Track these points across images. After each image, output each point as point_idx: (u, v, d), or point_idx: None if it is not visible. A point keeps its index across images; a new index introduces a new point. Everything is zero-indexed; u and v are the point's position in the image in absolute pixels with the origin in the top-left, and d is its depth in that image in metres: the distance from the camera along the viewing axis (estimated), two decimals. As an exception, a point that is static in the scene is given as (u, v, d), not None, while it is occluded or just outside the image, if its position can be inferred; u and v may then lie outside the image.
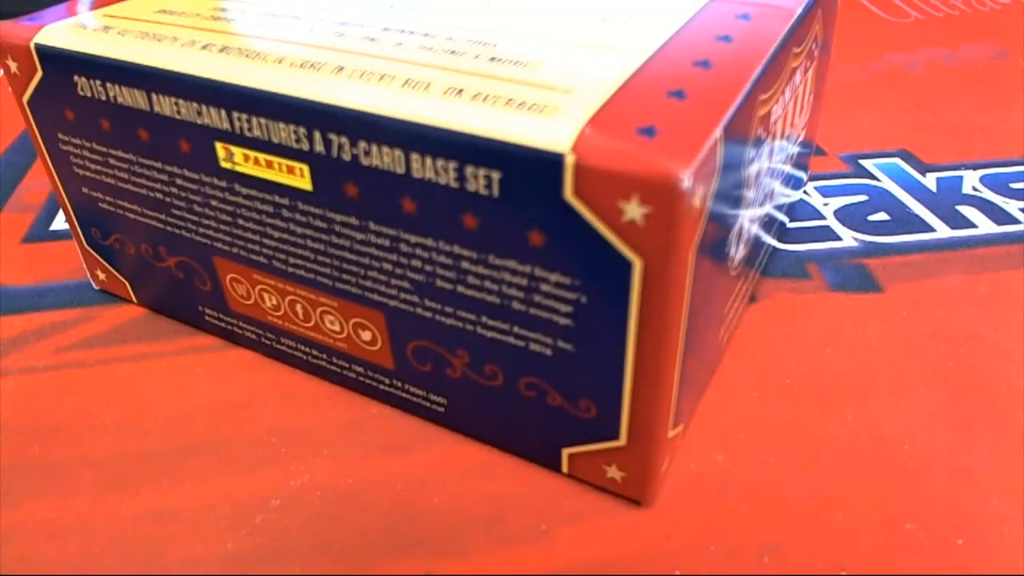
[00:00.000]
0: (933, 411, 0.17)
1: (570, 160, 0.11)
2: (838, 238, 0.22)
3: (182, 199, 0.16)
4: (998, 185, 0.25)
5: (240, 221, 0.16)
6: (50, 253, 0.22)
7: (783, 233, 0.22)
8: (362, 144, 0.13)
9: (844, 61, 0.34)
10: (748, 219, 0.16)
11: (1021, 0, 0.41)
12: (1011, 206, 0.24)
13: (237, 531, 0.15)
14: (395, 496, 0.15)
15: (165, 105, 0.15)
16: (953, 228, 0.23)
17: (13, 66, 0.17)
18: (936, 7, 0.40)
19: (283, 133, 0.13)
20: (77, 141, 0.17)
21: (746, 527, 0.15)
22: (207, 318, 0.18)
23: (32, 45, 0.16)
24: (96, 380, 0.18)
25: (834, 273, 0.21)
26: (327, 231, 0.14)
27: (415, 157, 0.12)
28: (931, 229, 0.23)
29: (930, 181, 0.25)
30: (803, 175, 0.23)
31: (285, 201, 0.15)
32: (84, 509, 0.15)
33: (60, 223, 0.23)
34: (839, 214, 0.23)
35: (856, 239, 0.22)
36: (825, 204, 0.24)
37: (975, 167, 0.26)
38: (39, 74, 0.16)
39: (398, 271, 0.14)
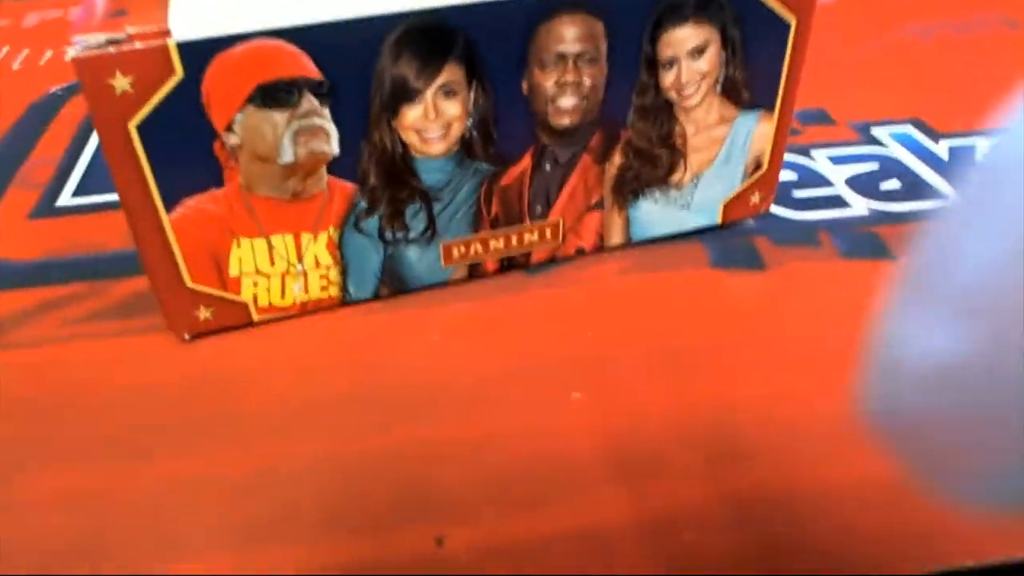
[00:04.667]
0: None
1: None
2: (848, 205, 0.22)
3: None
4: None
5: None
6: (56, 229, 0.22)
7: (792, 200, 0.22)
8: None
9: (855, 31, 0.33)
10: None
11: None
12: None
13: (249, 500, 0.15)
14: (404, 465, 0.15)
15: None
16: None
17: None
18: (947, -26, 0.40)
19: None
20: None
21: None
22: None
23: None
24: (105, 353, 0.18)
25: (845, 241, 0.21)
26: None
27: None
28: (943, 196, 0.23)
29: (942, 148, 0.25)
30: None
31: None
32: (97, 480, 0.15)
33: (66, 199, 0.23)
34: (850, 182, 0.23)
35: (868, 207, 0.22)
36: (835, 172, 0.24)
37: (988, 134, 0.26)
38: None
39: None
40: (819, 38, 0.32)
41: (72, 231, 0.22)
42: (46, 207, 0.23)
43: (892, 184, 0.23)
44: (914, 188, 0.23)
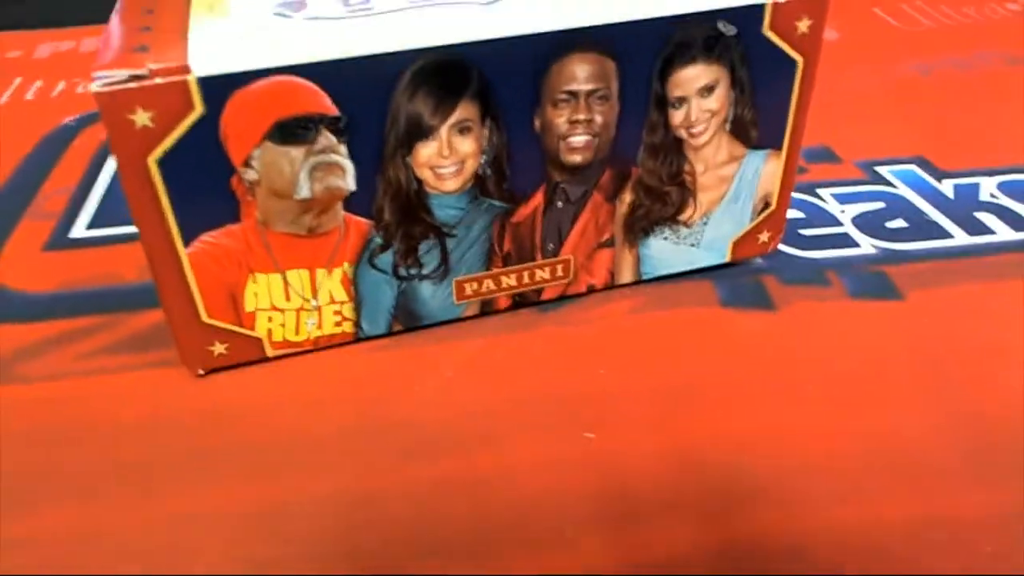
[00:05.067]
0: (950, 417, 0.17)
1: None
2: (856, 245, 0.22)
3: None
4: (1016, 191, 0.25)
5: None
6: (71, 261, 0.22)
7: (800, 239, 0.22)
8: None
9: (857, 69, 0.34)
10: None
11: (1032, 8, 0.41)
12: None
13: (263, 536, 0.15)
14: (418, 502, 0.15)
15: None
16: (972, 235, 0.23)
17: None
18: (948, 15, 0.40)
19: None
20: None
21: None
22: None
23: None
24: (118, 387, 0.18)
25: (854, 280, 0.21)
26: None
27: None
28: (949, 236, 0.23)
29: (947, 187, 0.25)
30: None
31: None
32: (110, 515, 0.15)
33: (80, 231, 0.23)
34: (856, 221, 0.23)
35: (875, 246, 0.22)
36: (842, 211, 0.24)
37: (992, 173, 0.26)
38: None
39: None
40: (822, 74, 0.32)
41: (87, 263, 0.22)
42: (60, 238, 0.23)
43: (899, 223, 0.23)
44: (921, 227, 0.23)
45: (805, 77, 0.18)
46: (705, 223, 0.20)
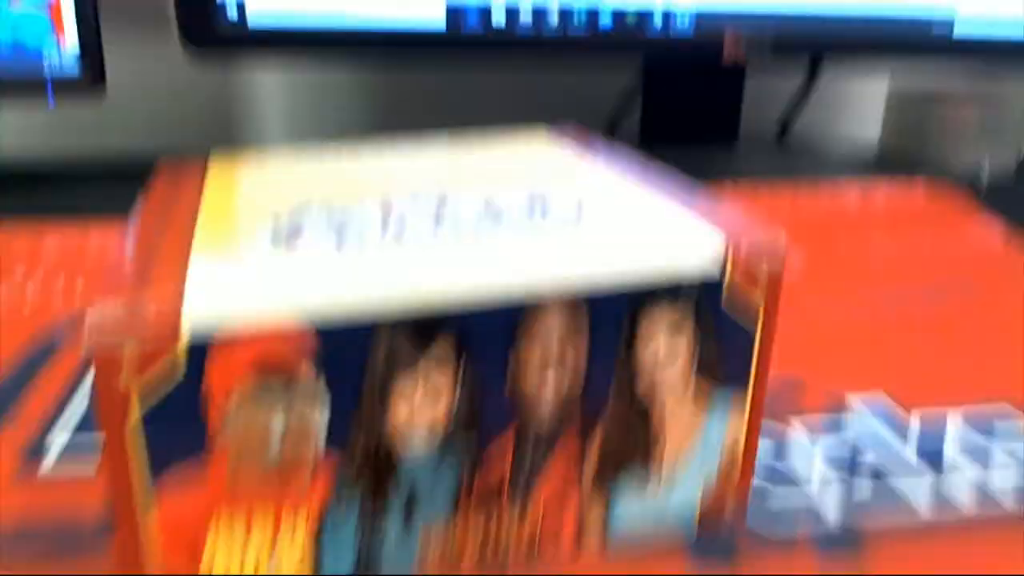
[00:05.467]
0: None
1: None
2: (824, 493, 0.22)
3: None
4: (981, 426, 0.25)
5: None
6: (36, 494, 0.22)
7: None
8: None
9: (824, 298, 0.36)
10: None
11: (984, 233, 0.44)
12: (994, 446, 0.24)
13: None
14: None
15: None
16: (938, 472, 0.23)
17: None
18: (908, 240, 0.43)
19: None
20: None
21: None
22: None
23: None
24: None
25: (821, 537, 0.21)
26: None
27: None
28: (916, 472, 0.23)
29: (914, 420, 0.26)
30: None
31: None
32: None
33: (53, 457, 0.23)
34: (824, 464, 0.24)
35: (842, 497, 0.22)
36: (811, 451, 0.24)
37: (957, 406, 0.27)
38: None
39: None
40: (791, 301, 0.34)
41: (51, 496, 0.22)
42: (39, 444, 0.23)
43: (867, 457, 0.24)
44: (887, 461, 0.23)
45: (766, 323, 0.19)
46: (672, 477, 0.20)
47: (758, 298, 0.19)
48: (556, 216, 0.19)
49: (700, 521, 0.21)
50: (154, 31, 0.59)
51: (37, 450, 0.23)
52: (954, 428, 0.25)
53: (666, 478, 0.20)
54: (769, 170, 0.57)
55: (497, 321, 0.17)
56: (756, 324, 0.19)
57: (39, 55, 0.43)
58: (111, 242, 0.39)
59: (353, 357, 0.16)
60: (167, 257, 0.17)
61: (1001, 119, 0.60)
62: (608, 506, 0.20)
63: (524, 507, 0.19)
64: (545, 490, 0.19)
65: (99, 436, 0.17)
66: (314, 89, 0.65)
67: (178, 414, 0.15)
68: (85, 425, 0.24)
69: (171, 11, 0.45)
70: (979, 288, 0.36)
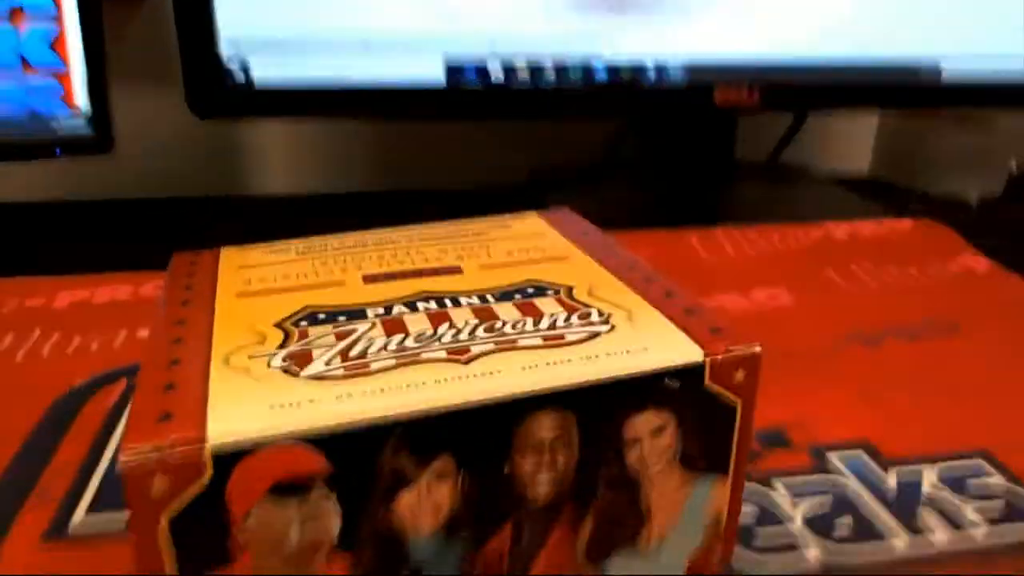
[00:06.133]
0: None
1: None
2: (805, 547, 0.24)
3: None
4: (955, 484, 0.27)
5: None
6: (65, 558, 0.23)
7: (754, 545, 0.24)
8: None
9: (811, 336, 0.37)
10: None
11: (970, 269, 0.45)
12: (967, 508, 0.26)
13: None
14: None
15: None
16: (914, 534, 0.24)
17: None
18: (895, 277, 0.44)
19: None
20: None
21: None
22: None
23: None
24: None
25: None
26: None
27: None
28: (894, 535, 0.24)
29: (891, 479, 0.27)
30: None
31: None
32: None
33: (80, 517, 0.25)
34: (806, 519, 0.25)
35: (822, 549, 0.24)
36: (793, 506, 0.26)
37: (933, 461, 0.28)
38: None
39: None
40: (777, 343, 0.35)
41: (79, 562, 0.23)
42: (60, 527, 0.24)
43: (846, 521, 0.25)
44: (864, 526, 0.25)
45: (744, 416, 0.21)
46: (660, 546, 0.21)
47: (734, 400, 0.20)
48: (546, 326, 0.20)
49: (688, 570, 0.22)
50: (160, 82, 0.60)
51: (60, 528, 0.24)
52: (929, 486, 0.27)
53: (653, 551, 0.21)
54: (762, 203, 0.58)
55: (491, 435, 0.18)
56: (734, 420, 0.21)
57: (49, 117, 0.44)
58: (121, 297, 0.40)
59: (361, 472, 0.18)
60: (188, 376, 0.18)
61: (989, 144, 0.61)
62: (603, 569, 0.21)
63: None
64: (541, 571, 0.20)
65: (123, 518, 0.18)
66: (317, 136, 0.66)
67: (202, 525, 0.17)
68: (106, 501, 0.26)
69: (176, 63, 0.46)
70: (962, 327, 0.38)
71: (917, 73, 0.53)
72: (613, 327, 0.20)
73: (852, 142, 0.73)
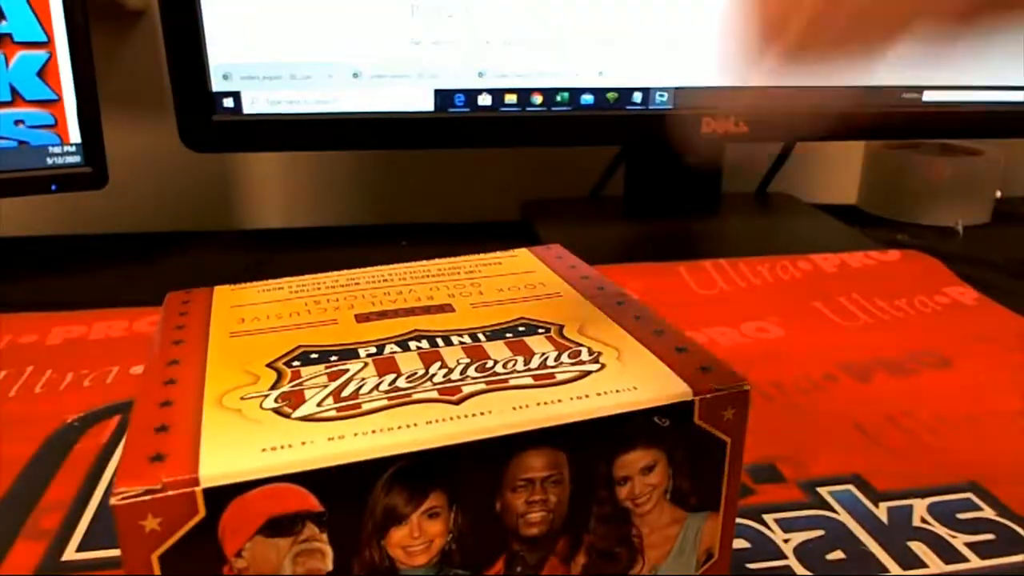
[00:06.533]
0: None
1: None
2: (798, 582, 0.24)
3: None
4: (945, 517, 0.27)
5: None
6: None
7: None
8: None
9: (801, 369, 0.37)
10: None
11: (957, 301, 0.46)
12: (957, 541, 0.26)
13: None
14: None
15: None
16: (905, 569, 0.25)
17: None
18: (883, 309, 0.45)
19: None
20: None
21: None
22: None
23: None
24: None
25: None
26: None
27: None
28: (885, 569, 0.25)
29: (882, 512, 0.27)
30: None
31: None
32: None
33: (71, 554, 0.25)
34: (798, 552, 0.25)
35: (815, 584, 0.24)
36: (785, 540, 0.26)
37: (924, 495, 0.28)
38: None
39: None
40: (768, 375, 0.35)
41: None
42: (51, 563, 0.24)
43: (837, 555, 0.25)
44: (857, 559, 0.25)
45: (734, 453, 0.21)
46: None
47: (724, 437, 0.21)
48: (536, 365, 0.21)
49: None
50: (153, 115, 0.61)
51: (51, 563, 0.24)
52: (920, 519, 0.27)
53: None
54: (749, 233, 0.58)
55: (483, 473, 0.19)
56: (724, 456, 0.21)
57: (43, 151, 0.44)
58: (115, 333, 0.40)
59: (353, 510, 0.18)
60: (181, 417, 0.19)
61: (976, 171, 0.62)
62: None
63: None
64: None
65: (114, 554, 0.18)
66: (311, 166, 0.67)
67: (193, 563, 0.17)
68: (98, 538, 0.26)
69: (168, 96, 0.47)
70: (951, 360, 0.38)
71: (902, 103, 0.54)
72: (603, 366, 0.21)
73: (839, 172, 0.74)
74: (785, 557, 0.25)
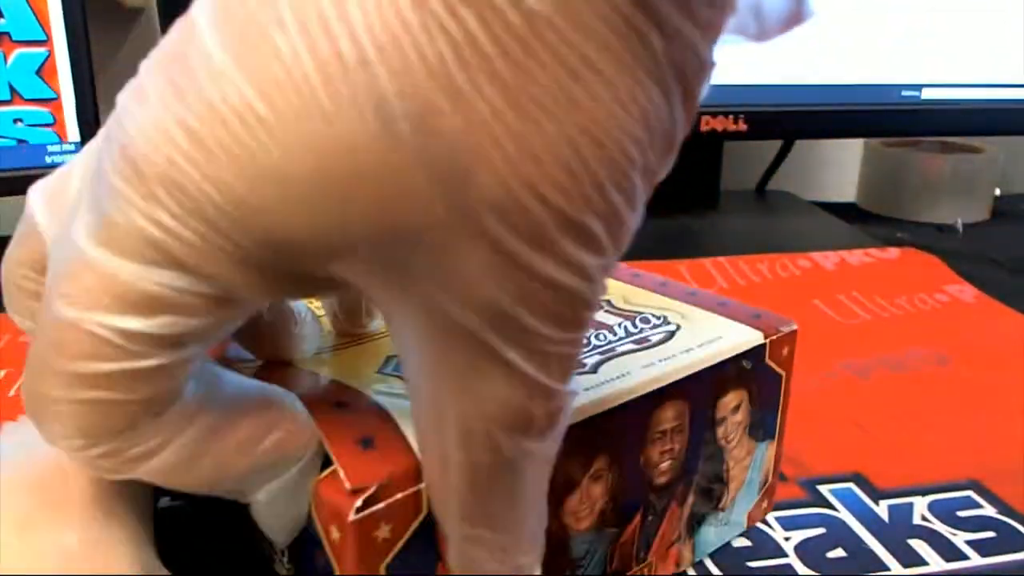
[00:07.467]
0: None
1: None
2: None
3: None
4: (946, 514, 0.27)
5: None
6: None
7: None
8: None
9: (800, 368, 0.37)
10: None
11: (957, 298, 0.46)
12: (958, 538, 0.26)
13: None
14: None
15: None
16: (906, 567, 0.25)
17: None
18: (883, 307, 0.45)
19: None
20: None
21: None
22: None
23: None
24: None
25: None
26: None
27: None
28: (886, 568, 0.25)
29: (882, 509, 0.27)
30: None
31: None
32: None
33: None
34: (799, 550, 0.25)
35: (816, 580, 0.24)
36: (787, 538, 0.26)
37: (924, 492, 0.28)
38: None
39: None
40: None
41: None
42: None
43: (838, 552, 0.25)
44: (858, 557, 0.25)
45: (786, 386, 0.24)
46: (732, 506, 0.24)
47: (781, 372, 0.24)
48: (626, 333, 0.22)
49: (748, 520, 0.25)
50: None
51: None
52: (920, 517, 0.27)
53: (725, 514, 0.24)
54: (749, 231, 0.59)
55: (634, 426, 0.20)
56: (781, 391, 0.24)
57: (42, 149, 0.44)
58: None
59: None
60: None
61: (975, 168, 0.62)
62: (695, 535, 0.24)
63: (645, 558, 0.22)
64: (658, 548, 0.22)
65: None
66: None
67: (415, 553, 0.16)
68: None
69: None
70: (951, 357, 0.38)
71: (901, 100, 0.54)
72: (678, 326, 0.23)
73: (838, 170, 0.74)
74: (786, 555, 0.25)
